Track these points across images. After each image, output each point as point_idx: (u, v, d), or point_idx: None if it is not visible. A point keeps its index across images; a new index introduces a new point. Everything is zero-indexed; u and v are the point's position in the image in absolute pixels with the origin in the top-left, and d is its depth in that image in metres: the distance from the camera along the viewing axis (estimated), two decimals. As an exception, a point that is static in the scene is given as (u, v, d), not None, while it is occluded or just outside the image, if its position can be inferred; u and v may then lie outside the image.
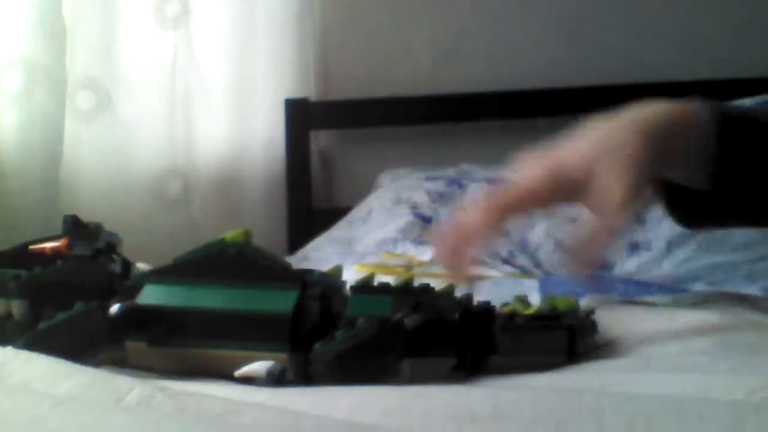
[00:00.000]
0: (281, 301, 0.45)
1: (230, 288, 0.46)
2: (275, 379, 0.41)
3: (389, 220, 1.35)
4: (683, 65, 1.69)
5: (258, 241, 1.59)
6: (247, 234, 0.49)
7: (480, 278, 1.05)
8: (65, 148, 1.52)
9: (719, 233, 1.28)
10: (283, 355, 0.42)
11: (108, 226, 0.56)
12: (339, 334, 0.42)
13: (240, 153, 1.64)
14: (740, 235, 1.27)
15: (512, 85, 1.69)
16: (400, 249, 1.25)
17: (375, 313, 0.44)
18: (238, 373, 0.43)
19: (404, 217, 1.35)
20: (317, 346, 0.42)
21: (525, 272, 1.23)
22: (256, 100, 1.67)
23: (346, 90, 1.75)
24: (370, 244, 1.28)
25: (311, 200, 1.69)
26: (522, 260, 1.29)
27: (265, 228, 1.60)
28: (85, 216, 0.56)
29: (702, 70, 1.66)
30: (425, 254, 1.22)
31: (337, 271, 0.49)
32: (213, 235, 1.55)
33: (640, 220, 1.35)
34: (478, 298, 0.56)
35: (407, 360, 0.43)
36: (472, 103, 1.70)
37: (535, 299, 0.90)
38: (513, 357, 0.45)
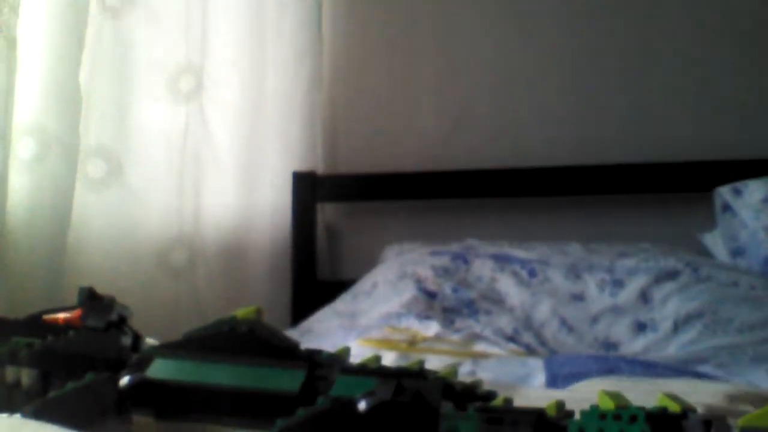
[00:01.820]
0: (289, 381, 0.45)
1: (239, 366, 0.46)
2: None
3: (394, 294, 1.35)
4: (686, 144, 1.70)
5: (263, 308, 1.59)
6: (259, 312, 0.49)
7: (484, 356, 1.04)
8: (74, 215, 1.53)
9: (725, 315, 1.28)
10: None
11: (112, 294, 0.57)
12: (299, 411, 0.42)
13: (246, 223, 1.66)
14: (746, 316, 1.27)
15: (517, 161, 1.71)
16: (404, 323, 1.24)
17: (354, 394, 0.43)
18: None
19: (409, 291, 1.35)
20: (277, 421, 0.42)
21: (530, 350, 1.23)
22: (264, 172, 1.69)
23: (353, 164, 1.78)
24: (374, 318, 1.28)
25: (316, 272, 1.69)
26: (527, 338, 1.29)
27: (270, 299, 1.60)
28: (89, 283, 0.57)
29: (706, 150, 1.67)
30: (429, 329, 1.22)
31: (346, 352, 0.49)
32: (216, 304, 1.56)
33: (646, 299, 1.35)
34: (483, 376, 0.55)
35: None
36: (478, 179, 1.72)
37: (540, 380, 0.90)
38: None
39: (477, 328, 1.26)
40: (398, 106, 1.81)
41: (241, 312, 0.49)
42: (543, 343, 1.29)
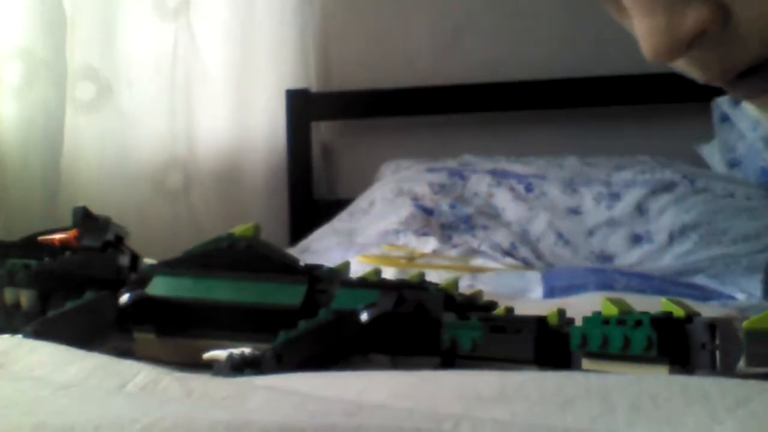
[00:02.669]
0: (290, 295, 0.45)
1: (240, 281, 0.46)
2: (233, 366, 0.41)
3: (391, 212, 1.35)
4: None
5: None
6: (257, 228, 0.49)
7: (482, 270, 1.05)
8: (66, 139, 1.52)
9: (720, 226, 1.29)
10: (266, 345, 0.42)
11: (108, 216, 0.56)
12: (301, 324, 0.42)
13: (241, 144, 1.65)
14: (741, 227, 1.28)
15: (513, 75, 1.69)
16: (401, 240, 1.25)
17: (355, 306, 0.43)
18: (205, 356, 0.43)
19: (406, 208, 1.35)
20: (280, 334, 0.42)
21: (527, 264, 1.24)
22: (256, 91, 1.67)
23: (347, 81, 1.75)
24: (372, 236, 1.29)
25: (312, 191, 1.69)
26: (524, 252, 1.30)
27: (267, 219, 1.60)
28: (86, 205, 0.57)
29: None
30: (427, 245, 1.23)
31: (346, 266, 0.49)
32: (214, 226, 1.56)
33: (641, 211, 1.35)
34: (485, 288, 0.56)
35: (389, 357, 0.42)
36: (473, 94, 1.70)
37: (538, 293, 0.91)
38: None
39: (474, 244, 1.27)
40: (392, 21, 1.77)
41: (238, 229, 0.49)
42: (540, 257, 1.30)
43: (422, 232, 1.26)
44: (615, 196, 1.37)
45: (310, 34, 1.72)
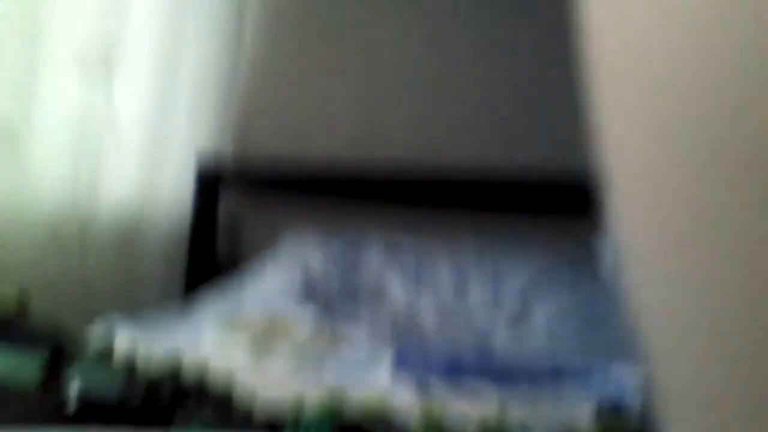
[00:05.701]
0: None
1: None
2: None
3: (276, 280, 1.36)
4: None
5: (153, 291, 1.56)
6: (22, 295, 0.49)
7: (340, 341, 1.06)
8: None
9: (598, 312, 1.32)
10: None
11: None
12: None
13: (145, 203, 1.65)
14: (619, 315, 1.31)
15: (425, 161, 1.69)
16: (280, 309, 1.25)
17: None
18: None
19: (292, 278, 1.36)
20: None
21: (401, 339, 1.24)
22: (169, 151, 1.68)
23: (262, 150, 1.77)
24: (253, 302, 1.29)
25: (214, 255, 1.69)
26: (406, 327, 1.30)
27: (163, 277, 1.59)
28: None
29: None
30: (305, 315, 1.23)
31: (109, 347, 0.49)
32: (105, 283, 1.53)
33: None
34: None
35: None
36: (381, 182, 1.68)
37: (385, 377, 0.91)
38: None
39: (355, 318, 1.27)
40: (313, 96, 1.81)
41: (4, 291, 0.49)
42: (420, 334, 1.31)
43: (303, 302, 1.27)
44: (500, 278, 1.40)
45: (230, 100, 1.75)
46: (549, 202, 1.61)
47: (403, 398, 0.71)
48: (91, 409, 0.42)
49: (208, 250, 1.67)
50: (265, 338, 0.97)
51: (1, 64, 1.56)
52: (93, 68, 1.63)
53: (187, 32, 1.71)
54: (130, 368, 0.48)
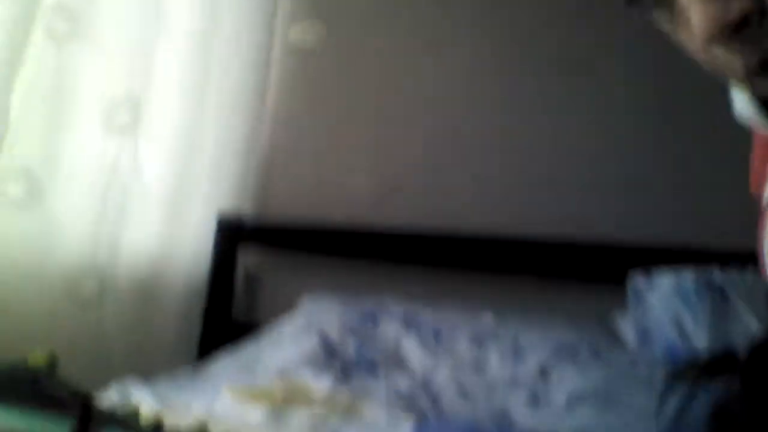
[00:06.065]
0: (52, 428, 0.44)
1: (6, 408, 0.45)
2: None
3: (294, 345, 1.34)
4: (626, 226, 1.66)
5: (168, 350, 1.55)
6: (52, 358, 0.48)
7: (356, 411, 1.04)
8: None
9: (619, 396, 1.29)
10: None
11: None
12: None
13: (164, 260, 1.65)
14: (638, 401, 1.28)
15: (446, 224, 1.70)
16: (297, 375, 1.23)
17: None
18: None
19: (310, 343, 1.34)
20: None
21: (421, 414, 1.22)
22: (190, 210, 1.69)
23: (282, 211, 1.78)
24: (270, 367, 1.27)
25: (231, 313, 1.68)
26: (423, 401, 1.28)
27: (179, 337, 1.58)
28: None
29: (640, 233, 1.63)
30: (321, 383, 1.21)
31: (136, 411, 0.48)
32: (123, 338, 1.52)
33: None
34: None
35: None
36: (400, 243, 1.70)
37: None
38: None
39: (373, 387, 1.25)
40: (334, 162, 1.83)
41: (33, 356, 0.48)
42: (439, 408, 1.28)
43: (320, 370, 1.25)
44: (519, 355, 1.38)
45: (252, 160, 1.77)
46: (570, 268, 1.62)
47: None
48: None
49: (225, 309, 1.66)
50: (284, 405, 0.96)
51: (29, 115, 1.57)
52: (119, 125, 1.66)
53: (211, 94, 1.74)
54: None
